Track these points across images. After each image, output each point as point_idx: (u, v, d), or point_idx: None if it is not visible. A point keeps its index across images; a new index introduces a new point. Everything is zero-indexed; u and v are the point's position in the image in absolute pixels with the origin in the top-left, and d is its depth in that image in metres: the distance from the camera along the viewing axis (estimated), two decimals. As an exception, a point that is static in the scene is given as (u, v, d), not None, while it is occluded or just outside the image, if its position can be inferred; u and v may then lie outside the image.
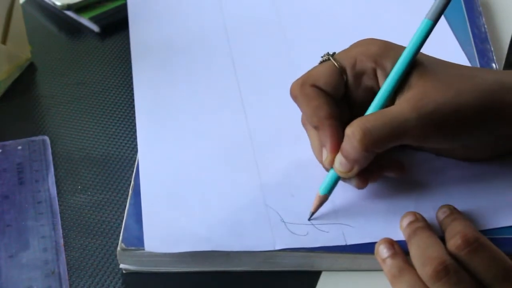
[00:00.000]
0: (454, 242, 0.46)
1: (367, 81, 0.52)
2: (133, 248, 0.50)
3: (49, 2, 0.75)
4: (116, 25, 0.73)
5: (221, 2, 0.73)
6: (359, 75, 0.52)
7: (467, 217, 0.50)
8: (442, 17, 0.69)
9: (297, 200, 0.53)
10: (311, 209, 0.52)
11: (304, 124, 0.55)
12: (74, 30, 0.74)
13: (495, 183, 0.53)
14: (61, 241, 0.53)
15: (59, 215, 0.54)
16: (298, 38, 0.68)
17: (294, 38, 0.68)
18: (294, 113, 0.55)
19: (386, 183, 0.54)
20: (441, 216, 0.50)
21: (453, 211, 0.50)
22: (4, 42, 0.66)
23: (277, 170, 0.55)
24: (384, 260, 0.48)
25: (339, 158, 0.50)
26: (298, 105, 0.53)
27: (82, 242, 0.53)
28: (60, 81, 0.68)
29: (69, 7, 0.74)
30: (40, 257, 0.51)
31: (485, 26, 0.69)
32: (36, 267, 0.51)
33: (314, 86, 0.52)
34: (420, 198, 0.52)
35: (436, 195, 0.52)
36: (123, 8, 0.74)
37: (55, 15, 0.76)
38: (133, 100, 0.62)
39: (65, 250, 0.52)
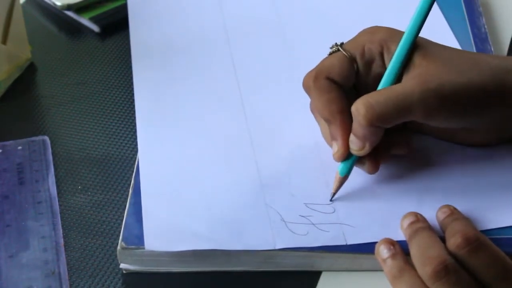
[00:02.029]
0: (454, 241, 0.46)
1: (376, 68, 0.53)
2: (133, 247, 0.50)
3: (49, 2, 0.75)
4: (116, 25, 0.73)
5: (221, 2, 0.73)
6: (369, 63, 0.53)
7: (467, 217, 0.50)
8: (442, 17, 0.70)
9: (297, 199, 0.53)
10: (332, 190, 0.52)
11: (312, 111, 0.55)
12: (74, 30, 0.74)
13: (495, 183, 0.53)
14: (61, 241, 0.53)
15: (59, 215, 0.54)
16: (298, 38, 0.68)
17: (294, 38, 0.68)
18: (294, 113, 0.55)
19: (386, 182, 0.54)
20: (442, 216, 0.50)
21: (454, 211, 0.50)
22: (4, 42, 0.66)
23: (277, 170, 0.55)
24: (384, 260, 0.48)
25: (351, 137, 0.51)
26: (311, 97, 0.54)
27: (82, 242, 0.53)
28: (60, 81, 0.68)
29: (69, 7, 0.74)
30: (40, 257, 0.51)
31: (485, 26, 0.69)
32: (36, 267, 0.51)
33: (328, 78, 0.53)
34: (421, 198, 0.53)
35: (437, 195, 0.52)
36: (123, 8, 0.74)
37: (55, 15, 0.76)
38: (133, 100, 0.62)
39: (65, 250, 0.52)
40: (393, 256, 0.48)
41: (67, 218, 0.55)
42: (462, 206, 0.50)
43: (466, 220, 0.49)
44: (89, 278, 0.51)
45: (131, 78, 0.65)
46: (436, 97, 0.49)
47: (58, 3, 0.74)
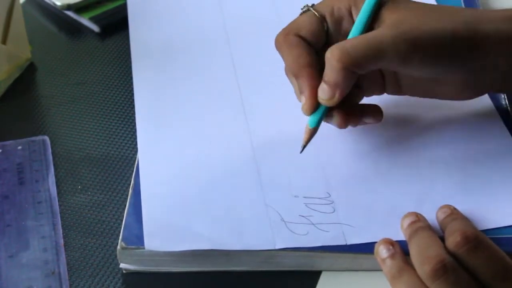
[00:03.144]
0: (453, 239, 0.46)
1: (346, 26, 0.54)
2: (133, 247, 0.50)
3: (49, 2, 0.75)
4: (116, 25, 0.73)
5: (221, 2, 0.73)
6: (338, 21, 0.54)
7: (466, 217, 0.50)
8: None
9: (297, 199, 0.53)
10: (303, 142, 0.53)
11: (287, 74, 0.56)
12: (74, 30, 0.74)
13: (495, 183, 0.53)
14: (61, 241, 0.53)
15: (59, 215, 0.54)
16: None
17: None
18: (294, 113, 0.55)
19: (386, 182, 0.54)
20: (441, 216, 0.50)
21: (453, 211, 0.50)
22: (4, 42, 0.66)
23: (277, 170, 0.55)
24: (383, 260, 0.48)
25: (321, 86, 0.52)
26: (281, 54, 0.55)
27: (82, 242, 0.53)
28: (60, 81, 0.68)
29: (69, 7, 0.74)
30: (40, 257, 0.51)
31: (485, 26, 0.69)
32: (36, 267, 0.51)
33: (297, 35, 0.54)
34: (420, 198, 0.53)
35: (436, 195, 0.52)
36: (123, 8, 0.74)
37: (55, 15, 0.76)
38: (133, 100, 0.62)
39: (65, 250, 0.52)
40: (392, 256, 0.48)
41: (67, 218, 0.55)
42: (462, 206, 0.50)
43: (466, 219, 0.49)
44: (89, 278, 0.51)
45: (131, 78, 0.65)
46: (408, 39, 0.50)
47: (58, 3, 0.74)
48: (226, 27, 0.70)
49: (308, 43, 0.54)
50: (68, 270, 0.51)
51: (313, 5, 0.55)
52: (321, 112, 0.53)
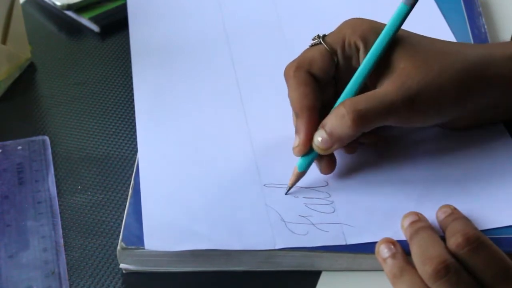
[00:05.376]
0: (454, 240, 0.46)
1: (356, 61, 0.54)
2: (133, 247, 0.50)
3: (49, 2, 0.75)
4: (116, 25, 0.73)
5: (221, 2, 0.73)
6: (349, 57, 0.54)
7: (467, 217, 0.50)
8: (442, 18, 0.70)
9: (297, 199, 0.53)
10: (289, 183, 0.53)
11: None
12: (74, 30, 0.74)
13: (495, 183, 0.53)
14: (61, 241, 0.53)
15: (59, 215, 0.54)
16: (298, 38, 0.68)
17: (294, 38, 0.68)
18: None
19: (386, 182, 0.54)
20: (442, 215, 0.50)
21: (454, 211, 0.50)
22: (4, 42, 0.66)
23: (277, 170, 0.55)
24: (385, 260, 0.48)
25: (320, 134, 0.52)
26: (288, 86, 0.55)
27: (82, 242, 0.53)
28: (60, 81, 0.68)
29: (69, 7, 0.74)
30: (40, 257, 0.51)
31: (485, 26, 0.69)
32: (36, 267, 0.51)
33: (308, 72, 0.54)
34: (420, 198, 0.52)
35: (436, 195, 0.52)
36: (123, 8, 0.74)
37: (55, 15, 0.76)
38: (133, 100, 0.62)
39: (65, 250, 0.52)
40: (393, 255, 0.47)
41: (67, 218, 0.55)
42: (462, 206, 0.50)
43: (466, 219, 0.49)
44: (89, 278, 0.51)
45: (131, 78, 0.65)
46: (416, 104, 0.51)
47: (58, 3, 0.74)
48: (225, 27, 0.70)
49: (317, 78, 0.54)
50: (68, 270, 0.51)
51: (323, 37, 0.55)
52: (311, 157, 0.53)
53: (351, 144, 0.54)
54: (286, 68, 0.55)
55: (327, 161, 0.54)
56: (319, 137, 0.52)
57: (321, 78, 0.54)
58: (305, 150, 0.53)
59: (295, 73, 0.54)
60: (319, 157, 0.53)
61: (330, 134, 0.52)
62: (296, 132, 0.53)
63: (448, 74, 0.52)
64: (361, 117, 0.51)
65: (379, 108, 0.51)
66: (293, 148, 0.53)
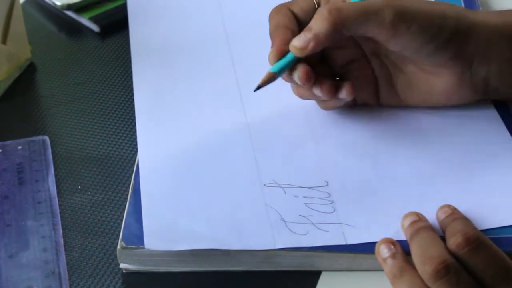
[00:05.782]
0: (454, 240, 0.46)
1: None
2: (133, 246, 0.50)
3: (49, 2, 0.75)
4: (116, 25, 0.73)
5: (221, 2, 0.73)
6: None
7: (467, 217, 0.50)
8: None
9: (297, 199, 0.53)
10: (259, 83, 0.54)
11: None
12: (74, 30, 0.74)
13: (495, 183, 0.53)
14: (61, 241, 0.53)
15: (59, 215, 0.54)
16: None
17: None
18: (294, 112, 0.55)
19: (386, 182, 0.54)
20: (442, 215, 0.50)
21: (454, 211, 0.50)
22: (4, 42, 0.66)
23: (277, 169, 0.55)
24: (384, 260, 0.48)
25: (298, 36, 0.53)
26: (269, 21, 0.56)
27: (82, 242, 0.53)
28: (60, 81, 0.68)
29: (69, 7, 0.74)
30: (40, 257, 0.51)
31: (485, 26, 0.69)
32: (36, 267, 0.51)
33: (288, 8, 0.56)
34: (420, 198, 0.52)
35: (436, 195, 0.52)
36: (123, 8, 0.74)
37: (55, 15, 0.76)
38: (133, 100, 0.62)
39: (65, 250, 0.52)
40: (393, 255, 0.47)
41: (67, 218, 0.55)
42: (462, 206, 0.50)
43: (466, 219, 0.49)
44: (89, 278, 0.51)
45: (131, 78, 0.65)
46: (401, 11, 0.51)
47: (58, 3, 0.74)
48: (225, 27, 0.70)
49: (298, 18, 0.55)
50: (68, 270, 0.51)
51: None
52: (286, 60, 0.53)
53: (327, 89, 0.54)
54: (272, 10, 0.57)
55: (302, 68, 0.53)
56: (295, 38, 0.53)
57: (301, 19, 0.55)
58: (278, 55, 0.53)
59: (277, 8, 0.56)
60: (293, 66, 0.54)
61: (306, 30, 0.52)
62: (271, 45, 0.54)
63: (434, 5, 0.53)
64: (338, 11, 0.51)
65: (360, 11, 0.51)
66: (268, 56, 0.54)
